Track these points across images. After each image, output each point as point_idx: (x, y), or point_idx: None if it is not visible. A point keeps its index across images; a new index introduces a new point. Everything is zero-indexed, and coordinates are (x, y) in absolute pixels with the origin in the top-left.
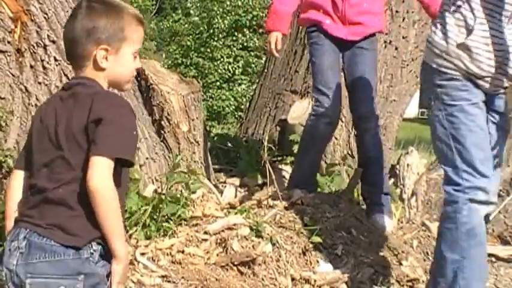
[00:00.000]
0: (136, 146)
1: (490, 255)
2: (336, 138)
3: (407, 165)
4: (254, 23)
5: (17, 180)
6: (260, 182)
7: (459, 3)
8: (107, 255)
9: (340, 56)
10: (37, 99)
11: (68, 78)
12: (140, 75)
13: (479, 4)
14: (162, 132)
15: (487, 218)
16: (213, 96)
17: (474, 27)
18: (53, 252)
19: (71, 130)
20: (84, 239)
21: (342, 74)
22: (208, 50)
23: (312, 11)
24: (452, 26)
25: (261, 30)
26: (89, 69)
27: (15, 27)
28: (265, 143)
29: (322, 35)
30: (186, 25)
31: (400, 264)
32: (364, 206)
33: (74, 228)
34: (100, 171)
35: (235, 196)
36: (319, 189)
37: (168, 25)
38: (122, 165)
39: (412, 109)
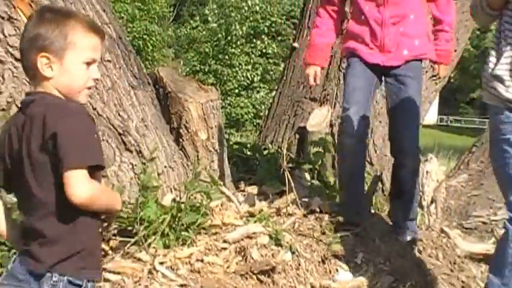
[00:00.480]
0: (100, 148)
1: None
2: None
3: (427, 172)
4: (273, 29)
5: None
6: (279, 190)
7: (497, 34)
8: None
9: (375, 81)
10: None
11: None
12: (158, 83)
13: (505, 32)
14: (181, 140)
15: None
16: (231, 103)
17: (502, 55)
18: None
19: (31, 154)
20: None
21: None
22: (227, 57)
23: (351, 41)
24: (492, 57)
25: (279, 38)
26: (37, 81)
27: None
28: (284, 151)
29: (357, 61)
30: (204, 32)
31: (420, 271)
32: (384, 213)
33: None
34: (75, 186)
35: (254, 204)
36: (338, 196)
37: (185, 32)
38: (93, 171)
39: (432, 116)
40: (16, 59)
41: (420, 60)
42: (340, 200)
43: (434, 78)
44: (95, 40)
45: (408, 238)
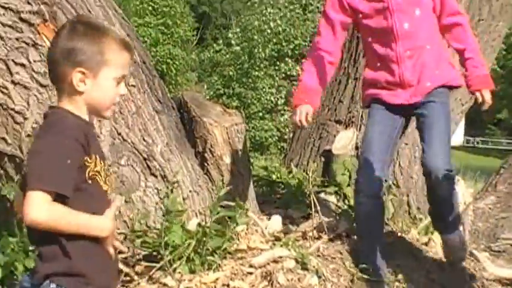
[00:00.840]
0: (70, 175)
1: None
2: None
3: None
4: (296, 52)
5: None
6: (305, 213)
7: None
8: None
9: (400, 123)
10: None
11: None
12: (183, 107)
13: None
14: (206, 164)
15: None
16: (255, 126)
17: None
18: None
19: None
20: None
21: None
22: (250, 80)
23: (370, 89)
24: None
25: (303, 60)
26: (66, 93)
27: None
28: (310, 174)
29: (378, 106)
30: (228, 55)
31: None
32: (408, 237)
33: None
34: (27, 207)
35: (280, 228)
36: None
37: (209, 55)
38: (56, 198)
39: (458, 137)
40: (41, 85)
41: (446, 87)
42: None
43: (484, 108)
44: (127, 57)
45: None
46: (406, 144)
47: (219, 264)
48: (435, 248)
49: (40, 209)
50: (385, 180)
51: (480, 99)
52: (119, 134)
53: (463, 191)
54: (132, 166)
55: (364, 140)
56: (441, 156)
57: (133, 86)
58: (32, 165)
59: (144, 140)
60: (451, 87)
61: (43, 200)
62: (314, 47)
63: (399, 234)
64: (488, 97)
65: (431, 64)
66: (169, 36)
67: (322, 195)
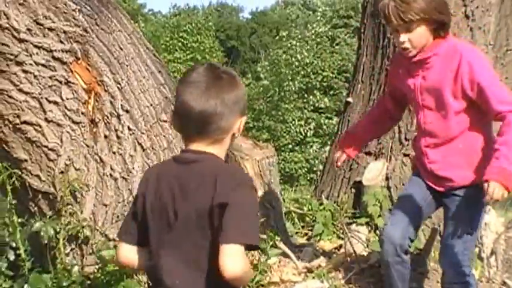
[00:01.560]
0: (258, 226)
1: None
2: None
3: (485, 224)
4: (324, 84)
5: (131, 253)
6: (336, 244)
7: None
8: None
9: (428, 196)
10: (112, 169)
11: (142, 147)
12: None
13: None
14: None
15: None
16: (285, 158)
17: None
18: None
19: (192, 213)
20: None
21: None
22: (280, 112)
23: (414, 157)
24: None
25: (331, 92)
26: (209, 142)
27: (89, 98)
28: (341, 205)
29: (417, 176)
30: (257, 89)
31: None
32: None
33: None
34: (233, 260)
35: (312, 260)
36: None
37: None
38: (248, 249)
39: None
40: (74, 122)
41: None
42: None
43: (486, 199)
44: None
45: None
46: None
47: None
48: None
49: (242, 262)
50: (411, 240)
51: (485, 189)
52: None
53: (494, 221)
54: None
55: (398, 197)
56: (451, 253)
57: (165, 121)
58: (233, 219)
59: None
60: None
61: (243, 254)
62: (378, 99)
63: (431, 264)
64: (492, 191)
65: (463, 165)
66: None
67: (353, 226)
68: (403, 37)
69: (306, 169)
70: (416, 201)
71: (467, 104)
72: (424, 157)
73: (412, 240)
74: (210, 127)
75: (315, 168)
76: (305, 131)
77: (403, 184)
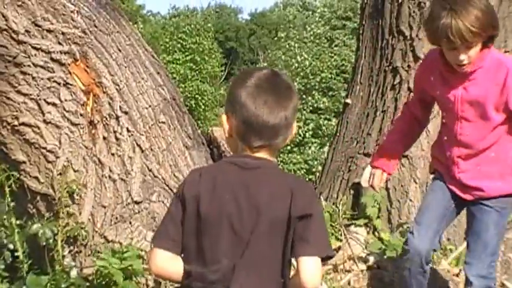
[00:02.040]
0: None
1: None
2: (410, 200)
3: None
4: (323, 85)
5: (170, 263)
6: (335, 246)
7: None
8: None
9: (451, 204)
10: (110, 170)
11: (141, 149)
12: (212, 143)
13: None
14: None
15: None
16: (284, 160)
17: None
18: None
19: (265, 224)
20: None
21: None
22: None
23: (435, 159)
24: None
25: (330, 93)
26: (269, 150)
27: (88, 99)
28: (340, 207)
29: (439, 180)
30: None
31: None
32: (439, 268)
33: None
34: (316, 273)
35: None
36: (394, 251)
37: None
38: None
39: None
40: (72, 124)
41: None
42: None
43: None
44: None
45: None
46: None
47: None
48: None
49: (320, 274)
50: (434, 250)
51: None
52: (150, 170)
53: None
54: (163, 202)
55: (420, 207)
56: (480, 266)
57: (163, 122)
58: (318, 231)
59: (174, 176)
60: None
61: (321, 266)
62: (403, 109)
63: (430, 265)
64: None
65: (495, 175)
66: (197, 72)
67: (352, 227)
68: (463, 56)
69: (304, 170)
70: (440, 209)
71: (507, 116)
72: (454, 166)
73: (435, 251)
74: (277, 138)
75: (313, 169)
76: (304, 132)
77: (401, 185)
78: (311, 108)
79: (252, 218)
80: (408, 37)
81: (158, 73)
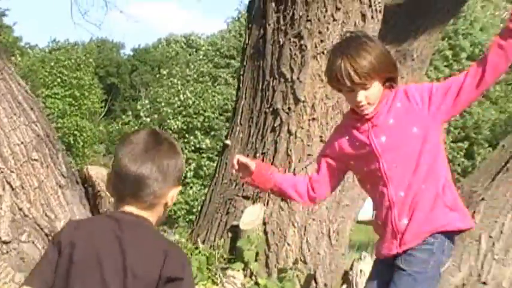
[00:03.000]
0: None
1: None
2: (288, 244)
3: (360, 271)
4: (206, 124)
5: None
6: None
7: None
8: None
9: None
10: None
11: (11, 187)
12: (87, 181)
13: None
14: None
15: None
16: None
17: None
18: None
19: (134, 283)
20: None
21: None
22: None
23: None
24: None
25: (212, 133)
26: (142, 206)
27: None
28: (217, 250)
29: (378, 260)
30: (137, 127)
31: None
32: None
33: None
34: None
35: None
36: None
37: (117, 127)
38: None
39: (367, 211)
40: None
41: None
42: None
43: None
44: None
45: None
46: (314, 220)
47: None
48: None
49: None
50: None
51: None
52: (20, 209)
53: (370, 268)
54: (33, 242)
55: None
56: None
57: (36, 160)
58: None
59: (46, 215)
60: (448, 232)
61: None
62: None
63: None
64: None
65: (425, 207)
66: (77, 107)
67: (229, 271)
68: (360, 97)
69: (185, 211)
70: None
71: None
72: (391, 213)
73: None
74: (144, 191)
75: (194, 210)
76: (185, 171)
77: (279, 229)
78: (193, 147)
79: (122, 275)
80: (289, 79)
81: (32, 109)
